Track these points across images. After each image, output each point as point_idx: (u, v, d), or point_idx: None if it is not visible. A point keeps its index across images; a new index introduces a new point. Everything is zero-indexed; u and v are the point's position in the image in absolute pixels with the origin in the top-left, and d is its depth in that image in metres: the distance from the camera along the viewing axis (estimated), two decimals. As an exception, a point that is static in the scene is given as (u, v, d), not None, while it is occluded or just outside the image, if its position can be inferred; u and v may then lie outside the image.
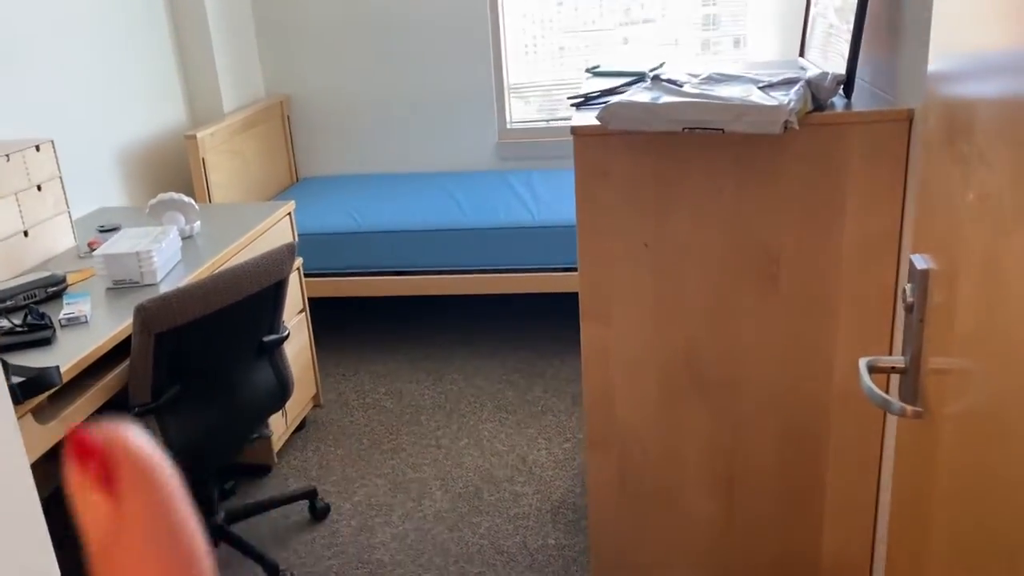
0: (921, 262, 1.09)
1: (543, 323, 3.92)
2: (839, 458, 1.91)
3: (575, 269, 3.50)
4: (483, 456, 2.93)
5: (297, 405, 3.06)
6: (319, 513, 2.65)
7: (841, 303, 1.77)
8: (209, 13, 3.77)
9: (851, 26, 1.74)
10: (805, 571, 2.01)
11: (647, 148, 1.70)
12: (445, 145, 4.39)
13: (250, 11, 4.24)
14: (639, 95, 1.66)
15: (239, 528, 2.57)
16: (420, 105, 4.34)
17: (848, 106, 1.70)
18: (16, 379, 1.66)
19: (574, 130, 1.70)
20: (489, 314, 4.05)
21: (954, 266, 0.96)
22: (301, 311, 3.10)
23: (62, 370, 1.82)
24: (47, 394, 1.77)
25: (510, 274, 3.54)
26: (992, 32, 0.85)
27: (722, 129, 1.52)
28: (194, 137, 3.42)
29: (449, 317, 4.05)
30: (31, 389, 1.67)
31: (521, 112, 4.42)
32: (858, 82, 1.91)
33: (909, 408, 1.07)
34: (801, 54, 2.19)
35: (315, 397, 3.29)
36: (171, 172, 3.72)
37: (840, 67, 1.79)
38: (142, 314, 1.93)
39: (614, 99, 1.62)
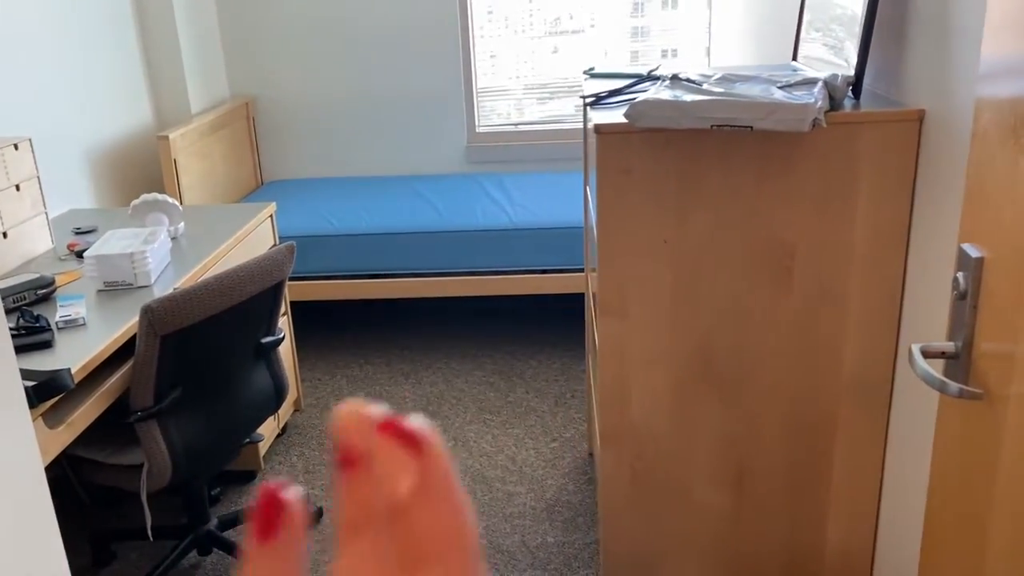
0: (974, 251, 1.14)
1: (521, 325, 3.93)
2: (845, 450, 1.97)
3: (551, 271, 3.53)
4: (472, 457, 2.93)
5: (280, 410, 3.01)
6: (311, 517, 2.61)
7: (851, 296, 1.84)
8: (177, 13, 3.69)
9: (855, 33, 1.80)
10: (810, 561, 2.06)
11: (669, 146, 1.73)
12: (414, 148, 4.38)
13: (215, 12, 4.16)
14: (662, 93, 1.69)
15: (233, 535, 2.51)
16: (387, 108, 4.32)
17: (857, 106, 1.77)
18: (27, 383, 1.60)
19: (598, 128, 1.72)
20: (466, 317, 4.05)
21: (1022, 253, 1.01)
22: (283, 314, 3.05)
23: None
24: (57, 398, 1.71)
25: (487, 276, 3.55)
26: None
27: (751, 127, 1.57)
28: (166, 138, 3.34)
29: (425, 320, 4.04)
30: (45, 392, 1.61)
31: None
32: (859, 84, 1.97)
33: (968, 389, 1.12)
34: (794, 58, 2.26)
35: (296, 402, 3.24)
36: (140, 174, 3.63)
37: (843, 70, 1.86)
38: (149, 315, 1.88)
39: (640, 98, 1.65)
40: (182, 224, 2.67)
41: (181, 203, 3.45)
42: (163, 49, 3.72)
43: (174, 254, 2.51)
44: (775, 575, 2.08)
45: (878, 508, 2.01)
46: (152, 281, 2.27)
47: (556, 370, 3.51)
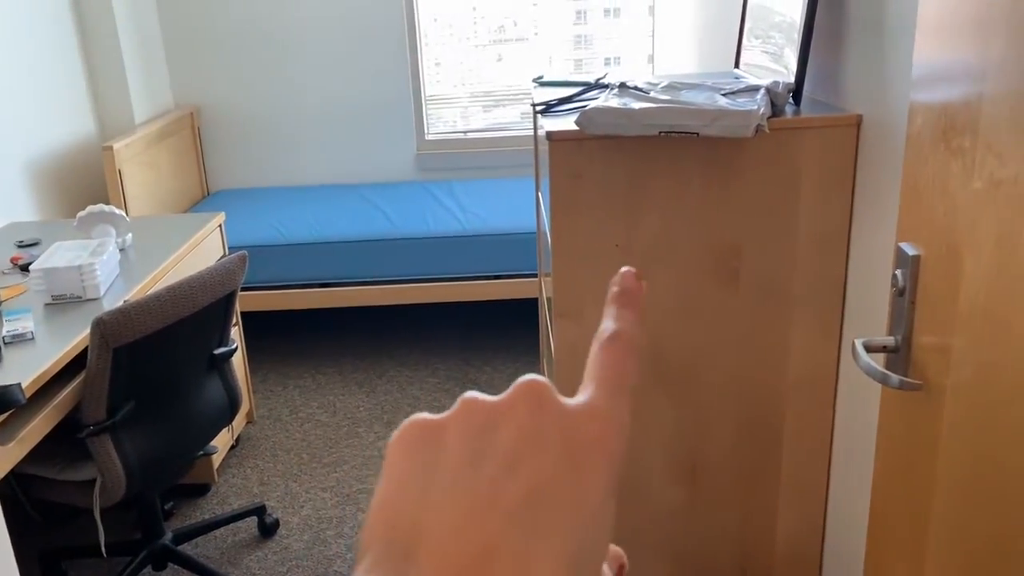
0: (911, 249, 1.20)
1: (474, 331, 3.95)
2: (792, 444, 2.03)
3: (503, 276, 3.57)
4: (428, 464, 2.93)
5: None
6: (268, 529, 2.59)
7: (796, 294, 1.90)
8: (118, 21, 3.64)
9: (794, 40, 1.87)
10: (762, 551, 2.12)
11: (619, 152, 1.78)
12: (363, 156, 4.37)
13: (157, 20, 4.10)
14: (611, 101, 1.73)
15: (188, 548, 2.48)
16: (336, 116, 4.31)
17: (798, 112, 1.83)
18: (-24, 398, 1.57)
19: (550, 135, 1.76)
20: (419, 324, 4.06)
21: (955, 249, 1.07)
22: (234, 325, 3.02)
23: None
24: (8, 413, 1.68)
25: (439, 283, 3.56)
26: (992, 41, 0.96)
27: (697, 133, 1.62)
28: (111, 148, 3.29)
29: (378, 328, 4.03)
30: (-5, 408, 1.58)
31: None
32: (799, 91, 2.04)
33: (908, 381, 1.18)
34: (736, 65, 2.33)
35: (248, 413, 3.21)
36: (84, 185, 3.56)
37: (783, 77, 1.93)
38: (101, 328, 1.86)
39: (590, 105, 1.69)
40: (129, 235, 2.64)
41: (127, 214, 3.40)
42: (105, 58, 3.66)
43: (122, 266, 2.47)
44: (728, 566, 2.14)
45: (826, 498, 2.08)
46: (101, 294, 2.24)
47: (510, 375, 3.54)
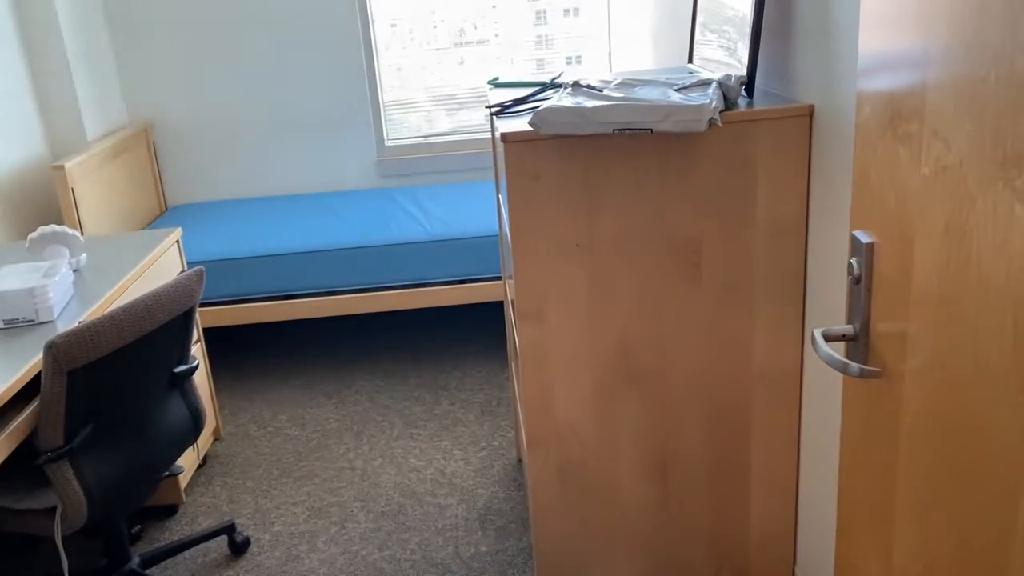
0: (865, 237, 1.20)
1: (442, 337, 3.93)
2: (761, 435, 2.04)
3: (470, 281, 3.55)
4: (400, 473, 2.91)
5: (198, 440, 2.94)
6: (239, 547, 2.55)
7: (757, 287, 1.90)
8: (65, 36, 3.57)
9: (746, 34, 1.88)
10: (736, 544, 2.13)
11: (575, 151, 1.77)
12: (323, 165, 4.33)
13: (107, 35, 4.03)
14: (564, 100, 1.72)
15: (156, 572, 2.43)
16: (293, 126, 4.26)
17: (751, 105, 1.84)
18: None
19: (504, 136, 1.74)
20: (386, 332, 4.03)
21: (906, 236, 1.07)
22: (196, 341, 2.98)
23: (-31, 417, 1.68)
24: (-42, 444, 1.63)
25: (405, 290, 3.54)
26: (935, 29, 0.97)
27: (651, 129, 1.61)
28: (62, 168, 3.22)
29: (344, 339, 4.00)
30: (-56, 439, 1.53)
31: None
32: (752, 84, 2.05)
33: (868, 369, 1.18)
34: (690, 60, 2.33)
35: (215, 431, 3.16)
36: (35, 205, 3.49)
37: (736, 70, 1.93)
38: (54, 351, 1.82)
39: (543, 105, 1.68)
40: (84, 255, 2.58)
41: (82, 234, 3.34)
42: (53, 75, 3.59)
43: (77, 287, 2.42)
44: (703, 561, 2.14)
45: (797, 488, 2.09)
46: (55, 316, 2.19)
47: (480, 379, 3.52)
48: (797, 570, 2.14)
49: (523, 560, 2.43)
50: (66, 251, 2.53)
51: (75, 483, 1.95)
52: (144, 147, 4.09)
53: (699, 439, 2.03)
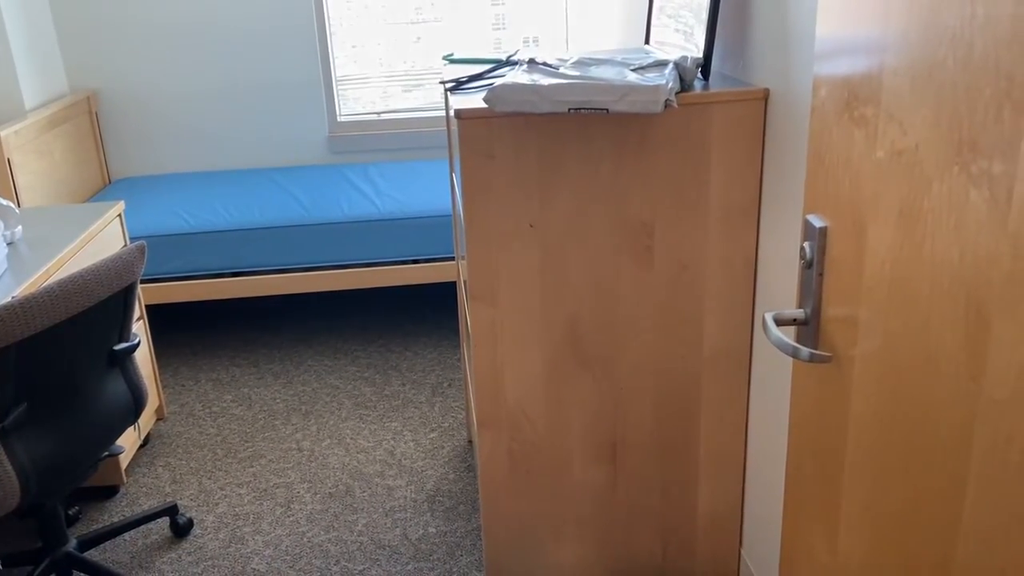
0: (818, 221, 1.20)
1: (394, 317, 3.88)
2: (710, 418, 2.04)
3: (422, 260, 3.51)
4: (349, 454, 2.87)
5: (140, 419, 2.86)
6: (181, 529, 2.49)
7: (708, 270, 1.90)
8: (2, 1, 3.42)
9: (703, 19, 1.86)
10: (683, 524, 2.14)
11: (529, 130, 1.74)
12: (272, 140, 4.24)
13: (48, 2, 3.88)
14: (520, 78, 1.69)
15: (94, 555, 2.37)
16: (242, 99, 4.16)
17: (707, 87, 1.83)
18: None
19: (459, 113, 1.71)
20: (336, 311, 3.97)
21: (860, 220, 1.07)
22: (139, 319, 2.89)
23: None
24: None
25: (355, 269, 3.48)
26: (893, 13, 0.96)
27: (606, 109, 1.59)
28: (-3, 135, 3.09)
29: (293, 317, 3.93)
30: None
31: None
32: (708, 66, 2.04)
33: (818, 353, 1.18)
34: (647, 41, 2.31)
35: (158, 410, 3.09)
36: (-33, 175, 3.35)
37: (692, 52, 1.92)
38: (-16, 327, 1.74)
39: (498, 82, 1.65)
40: (19, 228, 2.49)
41: (18, 205, 3.22)
42: (-12, 40, 3.44)
43: (12, 260, 2.33)
44: (650, 541, 2.15)
45: (744, 470, 2.10)
46: (-13, 290, 2.10)
47: (432, 360, 3.49)
48: (743, 551, 2.16)
49: (472, 541, 2.42)
50: (0, 223, 2.43)
51: (7, 463, 1.88)
52: (87, 117, 3.95)
53: (649, 421, 2.03)
